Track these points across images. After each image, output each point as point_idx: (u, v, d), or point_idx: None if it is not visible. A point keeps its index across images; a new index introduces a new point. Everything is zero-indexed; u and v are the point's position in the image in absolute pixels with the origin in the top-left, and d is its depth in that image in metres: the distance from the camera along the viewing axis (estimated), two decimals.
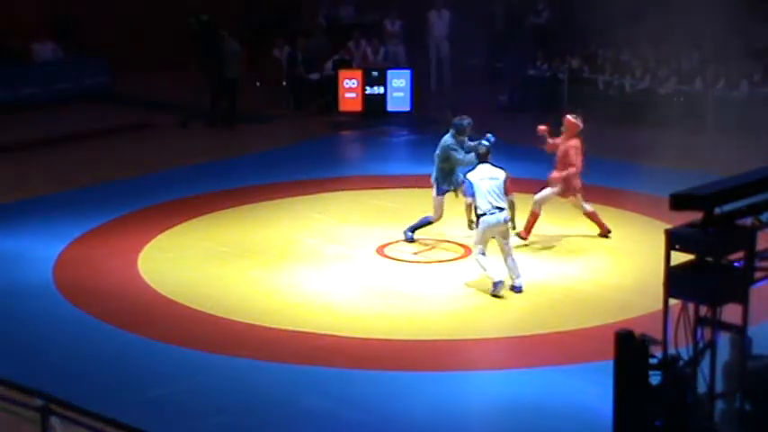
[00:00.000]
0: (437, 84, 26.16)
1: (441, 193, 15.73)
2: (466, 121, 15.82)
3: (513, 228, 14.65)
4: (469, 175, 14.30)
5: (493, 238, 14.26)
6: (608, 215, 17.21)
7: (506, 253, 14.28)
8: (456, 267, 15.23)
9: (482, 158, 14.42)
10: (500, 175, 14.23)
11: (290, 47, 25.22)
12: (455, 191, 15.66)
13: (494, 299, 14.25)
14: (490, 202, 14.07)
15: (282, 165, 20.40)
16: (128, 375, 12.25)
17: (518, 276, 14.31)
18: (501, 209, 14.09)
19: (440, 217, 15.83)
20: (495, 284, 14.15)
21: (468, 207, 14.30)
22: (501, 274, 14.24)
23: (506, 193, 14.22)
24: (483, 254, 14.24)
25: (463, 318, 13.80)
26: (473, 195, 14.14)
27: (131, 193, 18.49)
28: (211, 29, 26.14)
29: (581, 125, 15.99)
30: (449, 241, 16.07)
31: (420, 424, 11.33)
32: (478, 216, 14.15)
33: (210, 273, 15.15)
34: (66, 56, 25.84)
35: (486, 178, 14.18)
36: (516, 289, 14.29)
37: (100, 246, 16.15)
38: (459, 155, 15.53)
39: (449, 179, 15.67)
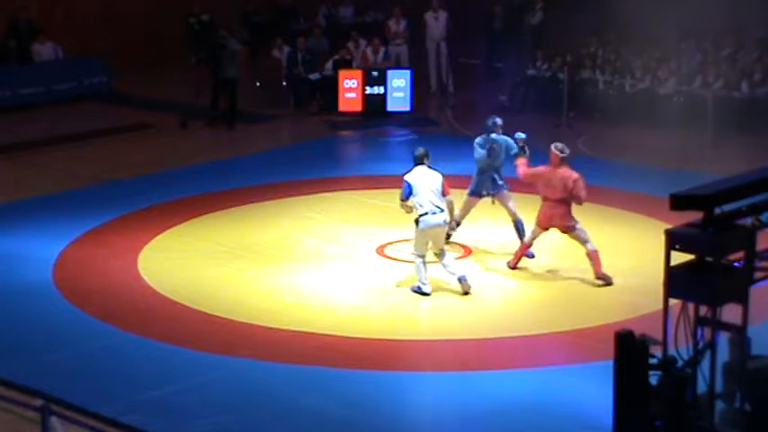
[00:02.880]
0: (437, 84, 26.16)
1: (470, 193, 15.76)
2: (491, 120, 15.86)
3: (454, 227, 14.93)
4: (407, 177, 14.35)
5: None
6: (608, 215, 17.24)
7: (439, 253, 14.35)
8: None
9: (418, 161, 14.44)
10: (437, 176, 14.31)
11: (289, 47, 25.21)
12: (492, 196, 15.68)
13: (494, 299, 14.27)
14: (432, 202, 14.16)
15: (282, 165, 20.39)
16: (128, 375, 12.25)
17: (457, 270, 14.37)
18: (441, 209, 14.18)
19: (461, 217, 15.78)
20: (420, 290, 14.27)
21: (406, 208, 14.37)
22: (429, 287, 14.30)
23: (444, 194, 14.31)
24: (422, 259, 14.27)
25: (463, 318, 13.80)
26: (408, 197, 14.23)
27: (131, 193, 18.49)
28: (211, 29, 26.18)
29: (559, 154, 14.75)
30: (449, 241, 16.06)
31: (420, 424, 11.34)
32: (419, 216, 14.19)
33: (210, 273, 15.15)
34: (66, 56, 25.83)
35: (426, 179, 14.27)
36: (462, 278, 14.30)
37: (100, 246, 16.14)
38: (477, 152, 15.64)
39: (481, 180, 15.66)
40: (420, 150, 14.58)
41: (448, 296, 14.35)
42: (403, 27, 26.12)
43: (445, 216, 14.25)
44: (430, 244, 14.32)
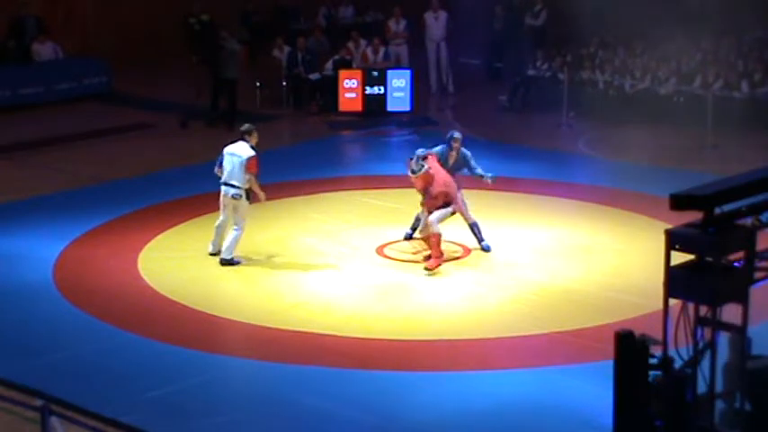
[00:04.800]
0: (437, 84, 26.17)
1: None
2: (450, 134, 15.99)
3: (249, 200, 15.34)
4: (225, 148, 15.41)
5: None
6: (608, 215, 17.24)
7: (230, 225, 15.38)
8: (456, 267, 15.23)
9: (240, 135, 15.35)
10: (245, 154, 15.15)
11: (290, 47, 25.21)
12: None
13: (494, 299, 14.26)
14: (227, 175, 15.24)
15: (282, 165, 20.37)
16: (128, 375, 12.25)
17: (225, 249, 15.29)
18: (232, 185, 15.18)
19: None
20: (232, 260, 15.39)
21: (219, 173, 15.43)
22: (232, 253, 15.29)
23: (247, 170, 15.12)
24: (234, 227, 15.33)
25: (463, 318, 13.80)
26: (219, 166, 15.39)
27: (131, 193, 18.49)
28: (211, 29, 26.17)
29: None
30: (449, 241, 16.06)
31: (420, 424, 11.33)
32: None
33: (211, 273, 15.15)
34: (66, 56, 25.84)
35: (229, 154, 15.28)
36: (222, 260, 15.29)
37: (100, 246, 16.15)
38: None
39: None
40: (244, 126, 15.52)
41: (447, 296, 14.34)
42: (403, 27, 26.12)
43: (234, 191, 15.15)
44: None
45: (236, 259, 15.32)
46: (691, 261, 9.22)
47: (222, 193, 15.37)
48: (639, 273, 14.70)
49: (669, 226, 9.49)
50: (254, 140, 15.38)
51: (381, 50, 25.44)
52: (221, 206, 15.49)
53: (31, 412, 10.56)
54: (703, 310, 9.16)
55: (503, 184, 18.69)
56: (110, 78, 25.61)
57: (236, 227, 15.30)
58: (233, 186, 15.20)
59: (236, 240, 15.29)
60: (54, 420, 9.88)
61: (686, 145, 20.95)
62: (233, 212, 15.34)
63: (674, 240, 9.17)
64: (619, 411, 9.29)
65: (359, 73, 24.21)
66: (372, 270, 15.24)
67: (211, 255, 15.53)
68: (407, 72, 24.39)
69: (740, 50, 23.83)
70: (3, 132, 22.32)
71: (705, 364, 9.22)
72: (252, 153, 15.17)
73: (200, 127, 23.24)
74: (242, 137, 15.37)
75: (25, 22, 25.67)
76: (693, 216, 9.21)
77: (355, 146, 23.10)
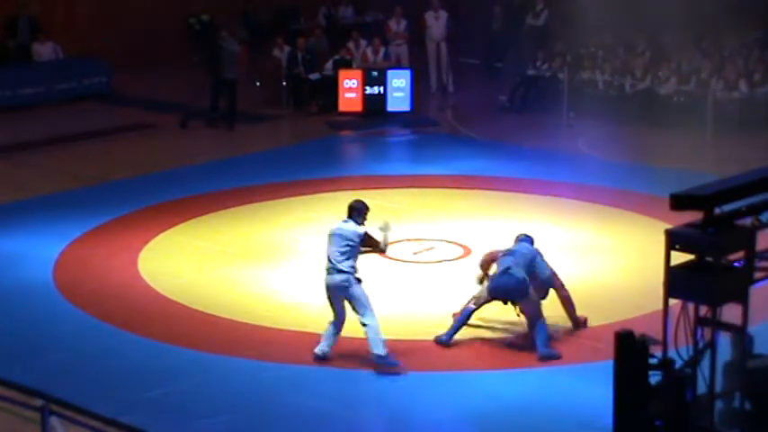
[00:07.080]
0: (437, 84, 26.17)
1: None
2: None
3: None
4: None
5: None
6: (608, 215, 17.23)
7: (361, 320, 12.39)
8: (456, 267, 15.22)
9: (349, 212, 12.73)
10: (351, 233, 12.53)
11: (290, 47, 25.22)
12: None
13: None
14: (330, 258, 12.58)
15: (282, 165, 20.39)
16: (128, 375, 12.25)
17: (375, 348, 12.28)
18: (339, 270, 12.39)
19: None
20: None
21: None
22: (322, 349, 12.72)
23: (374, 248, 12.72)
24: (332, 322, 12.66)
25: None
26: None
27: (131, 193, 18.48)
28: (211, 29, 26.18)
29: None
30: (449, 241, 16.07)
31: (420, 424, 11.34)
32: None
33: (210, 273, 15.15)
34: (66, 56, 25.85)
35: (336, 233, 12.57)
36: (377, 358, 12.35)
37: (100, 246, 16.14)
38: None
39: None
40: (356, 203, 12.87)
41: (447, 296, 14.33)
42: (403, 27, 26.12)
43: (342, 278, 12.28)
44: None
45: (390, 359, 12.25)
46: (691, 261, 9.23)
47: (326, 284, 12.45)
48: (639, 273, 14.70)
49: (669, 226, 9.50)
50: (358, 217, 12.60)
51: (381, 50, 25.43)
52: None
53: (30, 412, 10.56)
54: (703, 310, 9.17)
55: (503, 184, 18.75)
56: (110, 78, 25.61)
57: (365, 323, 12.33)
58: (339, 272, 12.36)
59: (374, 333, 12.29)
60: (54, 420, 9.89)
61: (686, 145, 20.95)
62: (336, 300, 12.46)
63: (674, 240, 9.18)
64: (619, 411, 9.30)
65: (359, 73, 24.21)
66: (372, 270, 15.21)
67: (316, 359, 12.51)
68: (407, 72, 24.37)
69: (740, 50, 23.82)
70: (3, 132, 22.31)
71: (705, 364, 9.23)
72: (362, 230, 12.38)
73: (200, 127, 23.25)
74: (349, 214, 12.67)
75: (18, 21, 25.65)
76: (693, 216, 9.22)
77: (355, 146, 23.09)
